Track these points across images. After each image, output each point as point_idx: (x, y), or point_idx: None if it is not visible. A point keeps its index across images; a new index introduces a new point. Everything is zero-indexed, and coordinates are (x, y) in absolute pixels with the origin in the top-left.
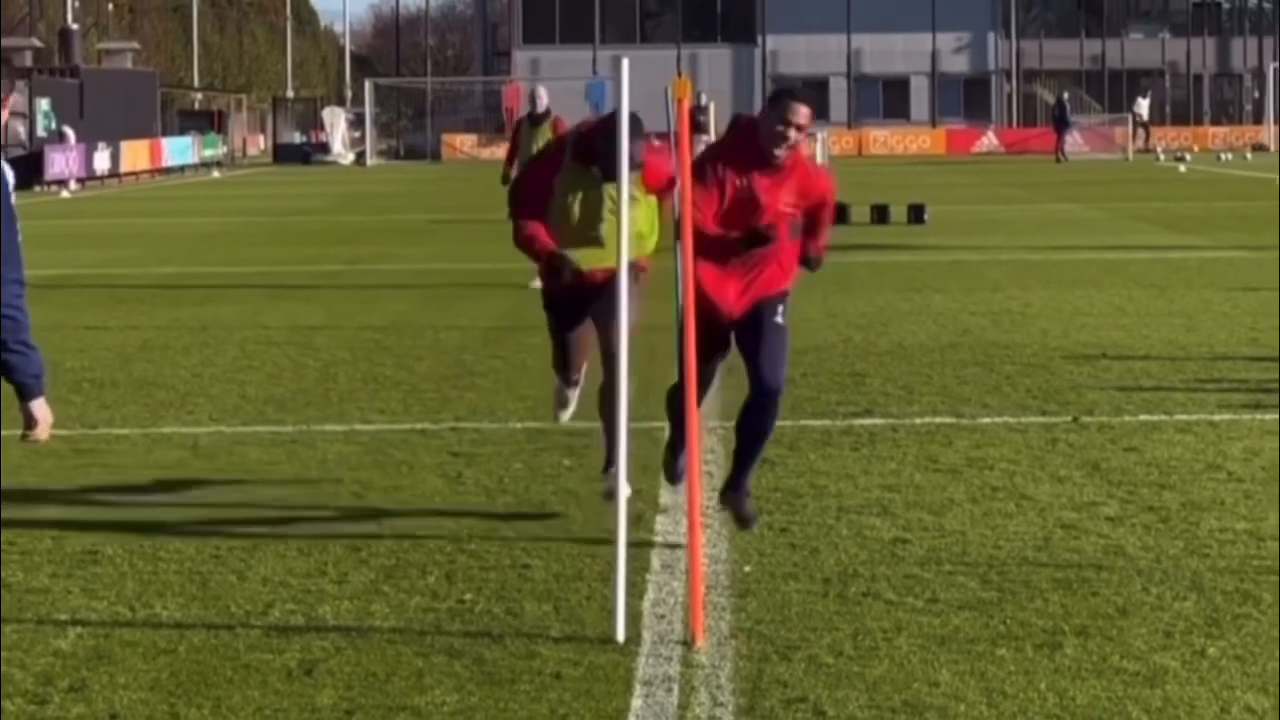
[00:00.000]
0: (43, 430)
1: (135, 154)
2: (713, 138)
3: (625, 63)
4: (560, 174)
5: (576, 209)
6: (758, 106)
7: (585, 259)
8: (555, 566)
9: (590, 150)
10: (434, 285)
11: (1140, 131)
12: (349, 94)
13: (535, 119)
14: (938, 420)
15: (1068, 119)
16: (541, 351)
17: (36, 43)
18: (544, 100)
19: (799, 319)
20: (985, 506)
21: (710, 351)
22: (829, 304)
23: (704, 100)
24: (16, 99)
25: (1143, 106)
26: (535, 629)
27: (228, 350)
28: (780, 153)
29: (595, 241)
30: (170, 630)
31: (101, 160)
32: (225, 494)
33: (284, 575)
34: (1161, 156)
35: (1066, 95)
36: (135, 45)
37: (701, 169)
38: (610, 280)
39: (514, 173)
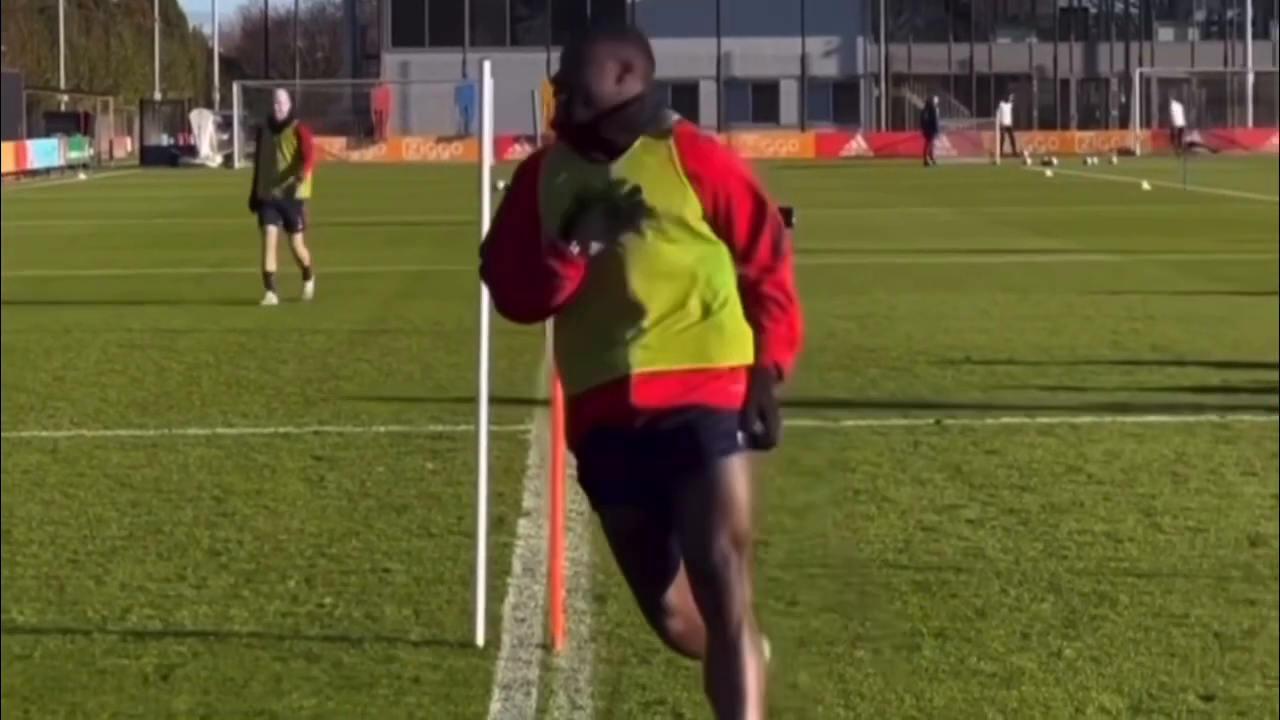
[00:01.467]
0: None
1: None
2: None
3: (487, 66)
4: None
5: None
6: None
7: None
8: (416, 570)
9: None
10: (297, 288)
11: (1005, 136)
12: (217, 96)
13: (276, 126)
14: (801, 423)
15: (937, 124)
16: (407, 354)
17: None
18: (285, 107)
19: None
20: (847, 509)
21: None
22: None
23: None
24: None
25: (1005, 111)
26: (395, 633)
27: (90, 354)
28: None
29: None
30: (25, 636)
31: None
32: (85, 498)
33: (142, 580)
34: (1029, 161)
35: (936, 100)
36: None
37: None
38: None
39: (261, 191)
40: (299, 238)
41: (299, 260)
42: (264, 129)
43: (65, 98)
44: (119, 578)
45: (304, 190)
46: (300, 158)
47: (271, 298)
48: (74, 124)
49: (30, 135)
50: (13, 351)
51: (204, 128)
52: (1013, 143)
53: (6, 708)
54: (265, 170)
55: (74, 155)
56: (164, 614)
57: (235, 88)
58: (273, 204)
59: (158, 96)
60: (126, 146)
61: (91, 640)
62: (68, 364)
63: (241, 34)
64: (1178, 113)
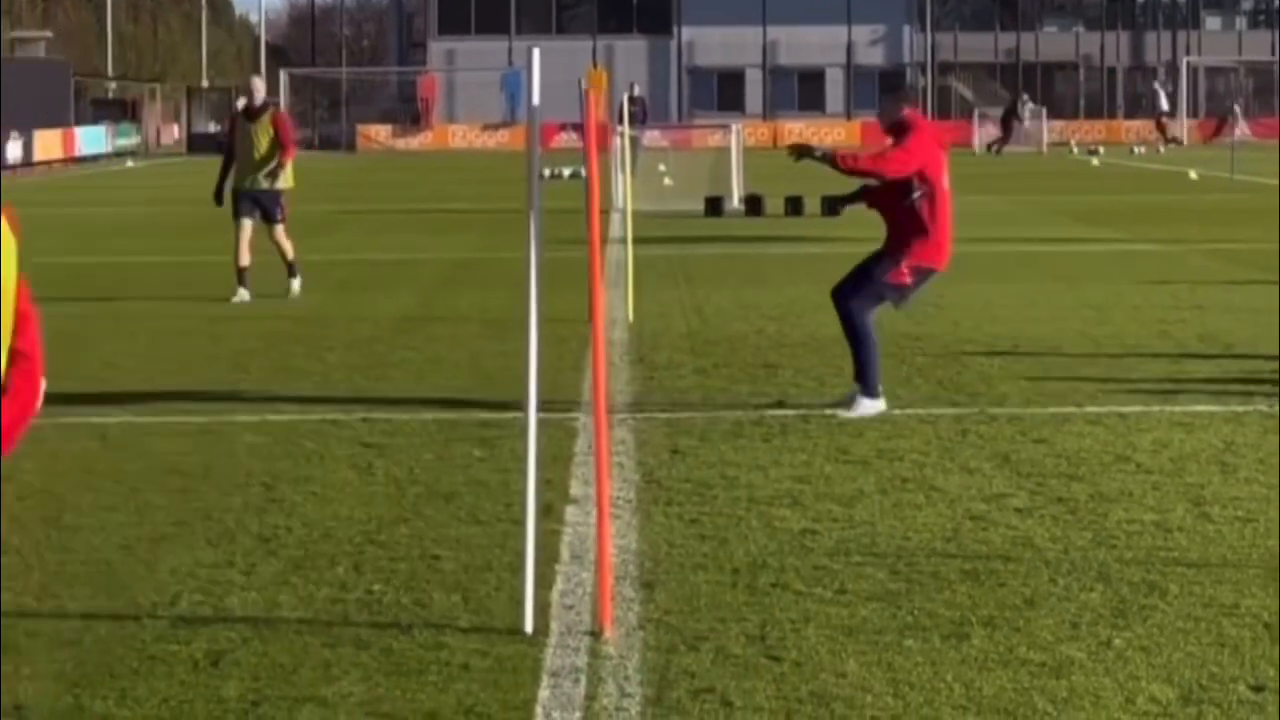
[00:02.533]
0: None
1: (48, 143)
2: (642, 130)
3: (536, 53)
4: None
5: None
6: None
7: None
8: (464, 557)
9: None
10: (344, 276)
11: (1018, 126)
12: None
13: (252, 113)
14: (843, 413)
15: (1020, 113)
16: (454, 342)
17: None
18: (260, 93)
19: (713, 310)
20: (895, 498)
21: None
22: (742, 295)
23: (637, 91)
24: None
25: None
26: (443, 620)
27: (140, 340)
28: None
29: None
30: (76, 621)
31: (14, 150)
32: (135, 484)
33: (192, 566)
34: (1075, 150)
35: (1025, 96)
36: (48, 34)
37: None
38: None
39: (231, 183)
40: (279, 229)
41: (282, 254)
42: (239, 116)
43: (113, 85)
44: (169, 564)
45: (285, 180)
46: (279, 146)
47: (244, 294)
48: (122, 111)
49: (78, 122)
50: (62, 337)
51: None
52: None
53: (57, 692)
54: (241, 160)
55: (122, 142)
56: (214, 600)
57: (282, 75)
58: (249, 195)
59: (205, 84)
60: (174, 134)
61: (142, 626)
62: (118, 350)
63: (288, 21)
64: (1162, 99)
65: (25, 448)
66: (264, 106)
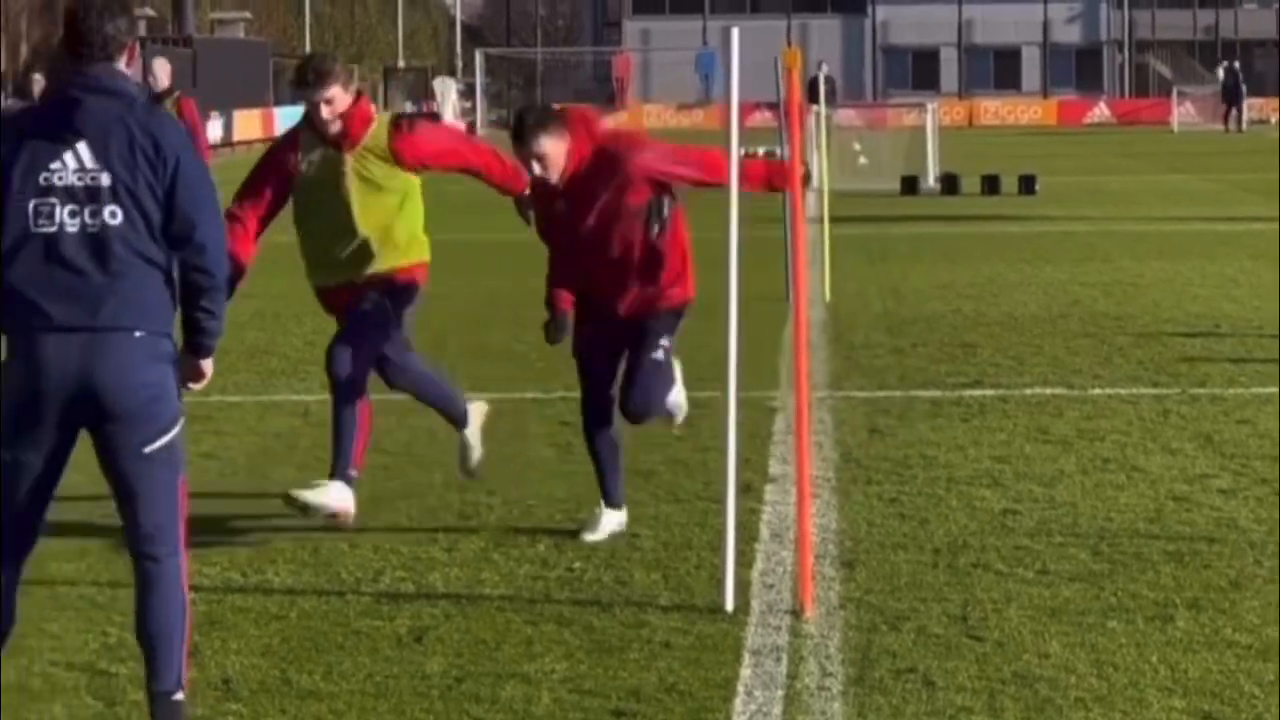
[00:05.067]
0: (201, 384)
1: (248, 123)
2: (822, 108)
3: (735, 33)
4: None
5: None
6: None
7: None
8: (664, 535)
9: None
10: (541, 255)
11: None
12: (460, 64)
13: (154, 98)
14: (1048, 391)
15: (1241, 89)
16: None
17: (150, 12)
18: (164, 77)
19: (910, 289)
20: (1096, 478)
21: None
22: (939, 274)
23: (825, 70)
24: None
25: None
26: (644, 598)
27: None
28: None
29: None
30: (282, 596)
31: (214, 129)
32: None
33: (395, 543)
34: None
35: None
36: (247, 15)
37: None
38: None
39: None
40: None
41: None
42: None
43: None
44: (372, 540)
45: None
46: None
47: None
48: None
49: (277, 103)
50: (264, 316)
51: (447, 95)
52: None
53: (264, 666)
54: None
55: None
56: (416, 576)
57: (477, 55)
58: None
59: (401, 64)
60: None
61: (346, 602)
62: (318, 329)
63: (483, 2)
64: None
65: (228, 424)
66: (169, 90)
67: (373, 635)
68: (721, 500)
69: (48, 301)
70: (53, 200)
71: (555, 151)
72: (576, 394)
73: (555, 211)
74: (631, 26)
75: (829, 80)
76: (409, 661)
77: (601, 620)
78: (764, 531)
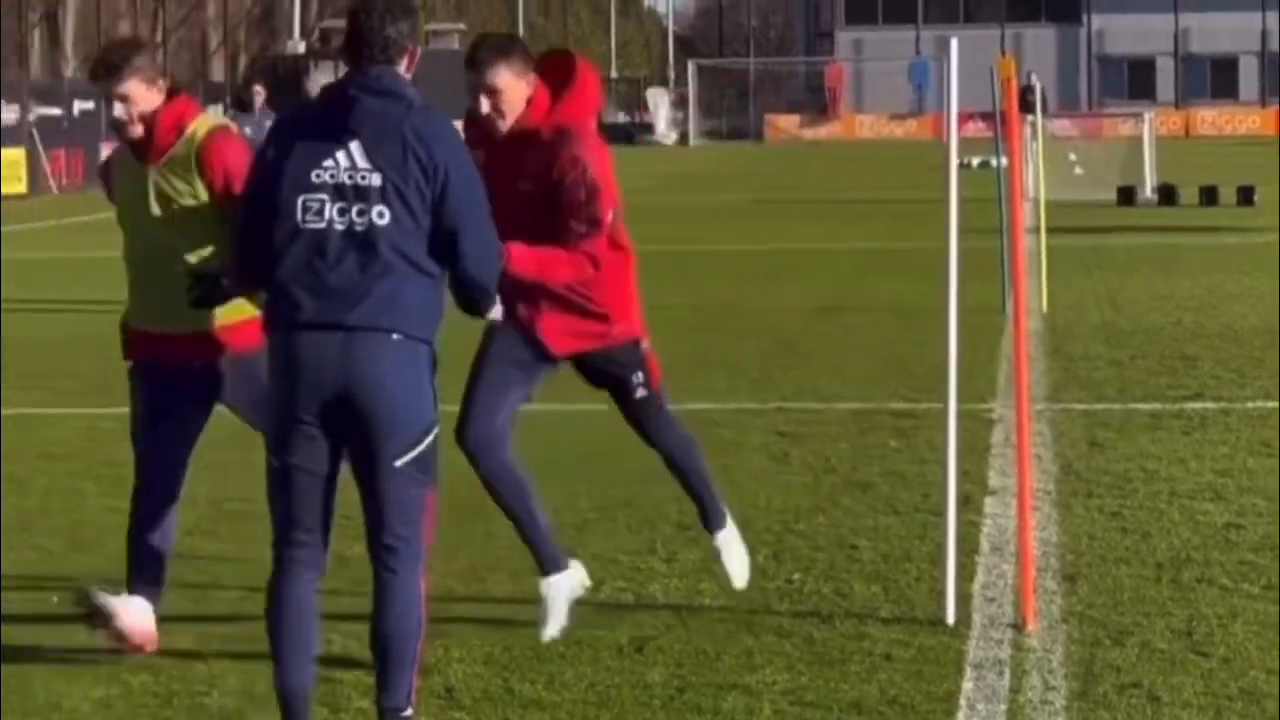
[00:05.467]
0: None
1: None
2: (1039, 118)
3: (954, 43)
4: None
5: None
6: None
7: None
8: (883, 547)
9: None
10: (757, 265)
11: None
12: (672, 75)
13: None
14: (1270, 405)
15: None
16: (867, 331)
17: None
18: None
19: (1127, 300)
20: None
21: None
22: (1156, 285)
23: (1033, 80)
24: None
25: None
26: (864, 610)
27: None
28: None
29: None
30: (503, 606)
31: None
32: (554, 471)
33: (614, 553)
34: None
35: None
36: (462, 26)
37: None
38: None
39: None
40: None
41: None
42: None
43: None
44: (591, 550)
45: None
46: None
47: None
48: None
49: None
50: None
51: (660, 106)
52: None
53: (487, 675)
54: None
55: None
56: (636, 586)
57: (690, 66)
58: None
59: (614, 75)
60: None
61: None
62: None
63: (695, 12)
64: None
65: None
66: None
67: (594, 645)
68: (941, 513)
69: (310, 298)
70: (323, 197)
71: (514, 91)
72: (795, 404)
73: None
74: (844, 36)
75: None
76: (630, 671)
77: (822, 632)
78: (984, 544)
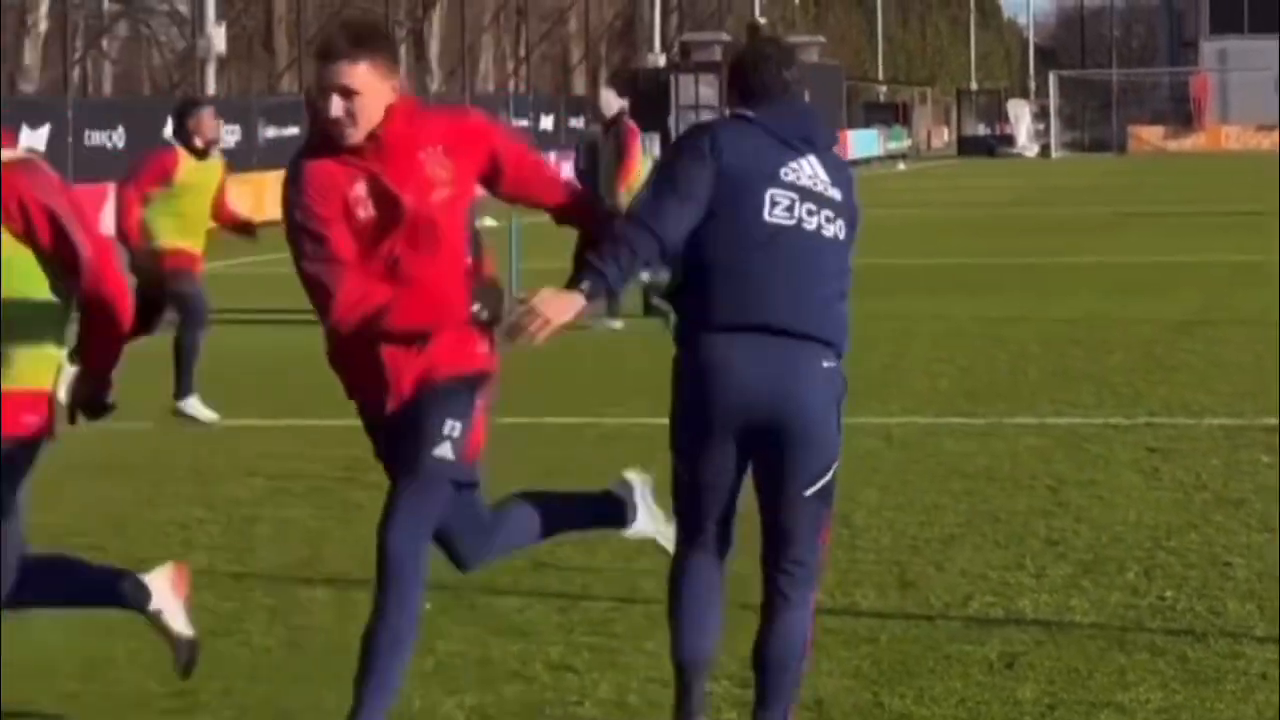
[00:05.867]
0: None
1: None
2: None
3: None
4: None
5: None
6: None
7: None
8: (1257, 565)
9: None
10: (1122, 278)
11: None
12: (1033, 86)
13: (604, 125)
14: None
15: None
16: (1236, 345)
17: (725, 37)
18: (614, 105)
19: None
20: None
21: None
22: None
23: None
24: (706, 92)
25: None
26: (1239, 628)
27: (919, 341)
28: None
29: None
30: (870, 619)
31: None
32: (920, 485)
33: (982, 568)
34: None
35: None
36: (821, 39)
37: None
38: None
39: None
40: None
41: None
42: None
43: (883, 89)
44: (959, 564)
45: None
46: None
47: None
48: (892, 115)
49: (850, 126)
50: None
51: (1021, 117)
52: None
53: (856, 689)
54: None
55: (893, 145)
56: (1005, 602)
57: (1051, 78)
58: None
59: (974, 87)
60: (944, 136)
61: (935, 626)
62: (898, 351)
63: (1056, 24)
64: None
65: None
66: (615, 119)
67: (963, 660)
68: None
69: (757, 298)
70: (792, 195)
71: (372, 92)
72: (1163, 419)
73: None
74: (1209, 47)
75: None
76: (1000, 687)
77: (1196, 651)
78: None
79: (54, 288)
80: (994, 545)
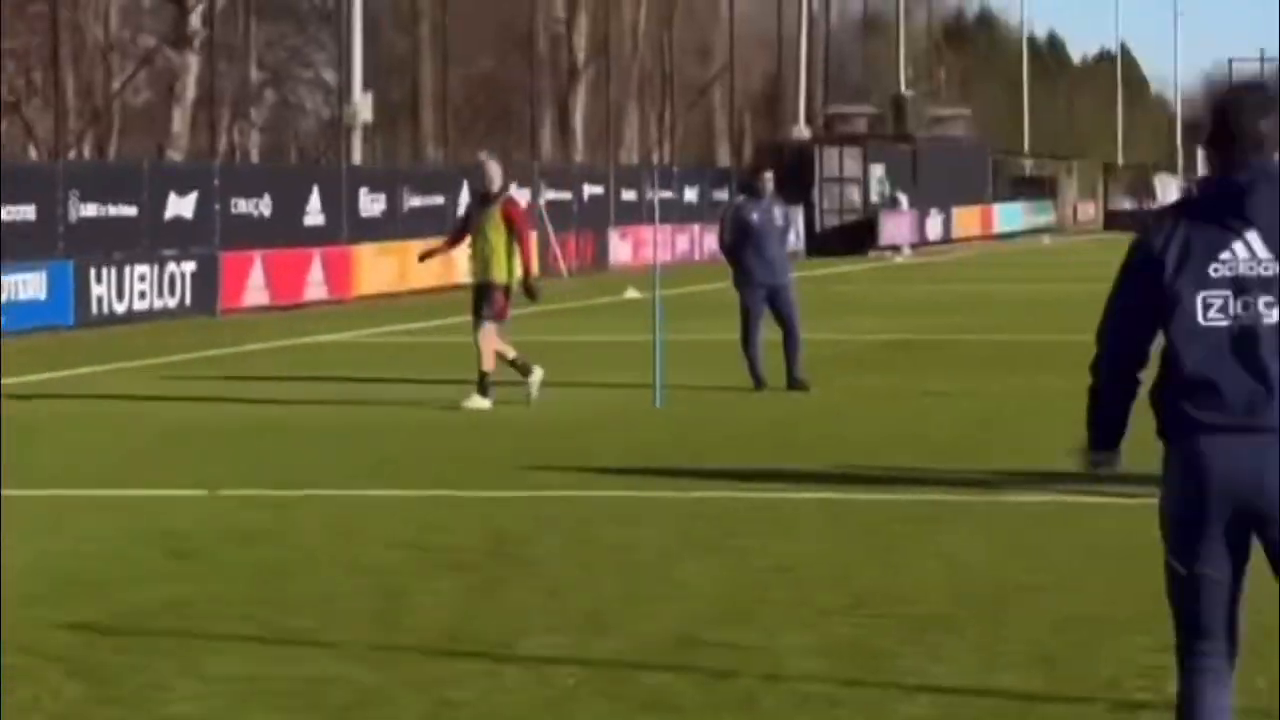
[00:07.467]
0: None
1: (967, 220)
2: None
3: None
4: None
5: None
6: None
7: None
8: None
9: None
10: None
11: None
12: (1180, 160)
13: (483, 199)
14: None
15: None
16: None
17: (871, 110)
18: (497, 179)
19: None
20: None
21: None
22: None
23: None
24: (850, 164)
25: None
26: None
27: (1062, 418)
28: None
29: None
30: (1016, 701)
31: (934, 226)
32: (1065, 564)
33: (1131, 651)
34: None
35: None
36: (966, 111)
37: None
38: None
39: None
40: (483, 328)
41: (477, 357)
42: (473, 202)
43: (1029, 162)
44: (1107, 647)
45: (501, 274)
46: (510, 238)
47: (480, 401)
48: (1038, 188)
49: (996, 199)
50: (986, 414)
51: (1167, 192)
52: None
53: None
54: (478, 241)
55: (1039, 219)
56: (1154, 684)
57: (1199, 152)
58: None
59: (1120, 161)
60: (1090, 211)
61: (1081, 711)
62: (1041, 428)
63: (1204, 98)
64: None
65: (961, 523)
66: (499, 193)
67: None
68: None
69: (1217, 400)
70: (1226, 292)
71: None
72: None
73: None
74: None
75: None
76: None
77: None
78: None
79: None
80: (1141, 629)
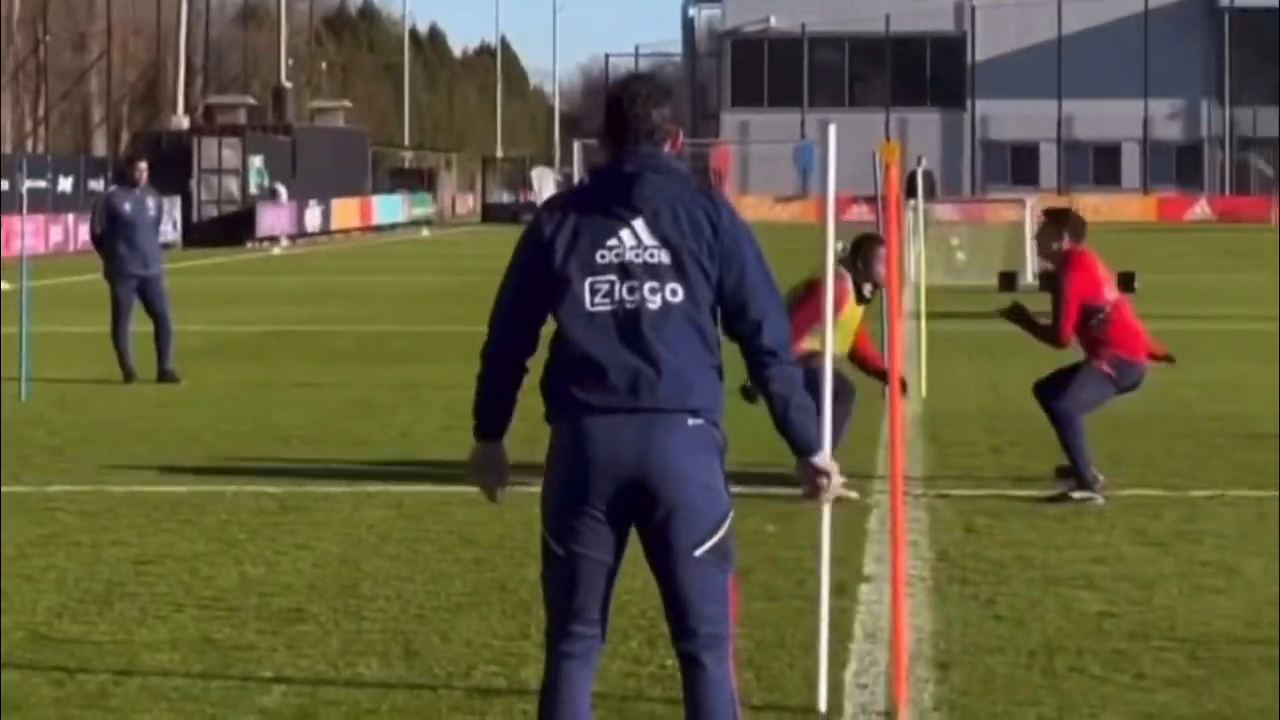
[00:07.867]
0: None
1: (346, 211)
2: (919, 202)
3: (832, 129)
4: None
5: None
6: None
7: None
8: (757, 634)
9: None
10: None
11: None
12: (558, 154)
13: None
14: (1147, 492)
15: None
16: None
17: (250, 100)
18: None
19: (1007, 386)
20: (1194, 581)
21: None
22: (1037, 371)
23: (924, 165)
24: (229, 155)
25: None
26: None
27: (435, 409)
28: None
29: None
30: (374, 689)
31: (313, 217)
32: (429, 554)
33: (487, 637)
34: None
35: None
36: (347, 104)
37: None
38: None
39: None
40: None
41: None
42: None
43: (409, 155)
44: (464, 634)
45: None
46: None
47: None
48: (418, 180)
49: (375, 191)
50: (358, 405)
51: (545, 185)
52: None
53: None
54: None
55: (418, 211)
56: (508, 671)
57: (576, 145)
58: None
59: (499, 154)
60: (469, 203)
61: (438, 696)
62: (414, 419)
63: (582, 92)
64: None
65: (323, 515)
66: None
67: None
68: (815, 599)
69: (602, 381)
70: (611, 278)
71: None
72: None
73: None
74: (730, 119)
75: (928, 175)
76: None
77: None
78: (858, 631)
79: None
80: (500, 614)
